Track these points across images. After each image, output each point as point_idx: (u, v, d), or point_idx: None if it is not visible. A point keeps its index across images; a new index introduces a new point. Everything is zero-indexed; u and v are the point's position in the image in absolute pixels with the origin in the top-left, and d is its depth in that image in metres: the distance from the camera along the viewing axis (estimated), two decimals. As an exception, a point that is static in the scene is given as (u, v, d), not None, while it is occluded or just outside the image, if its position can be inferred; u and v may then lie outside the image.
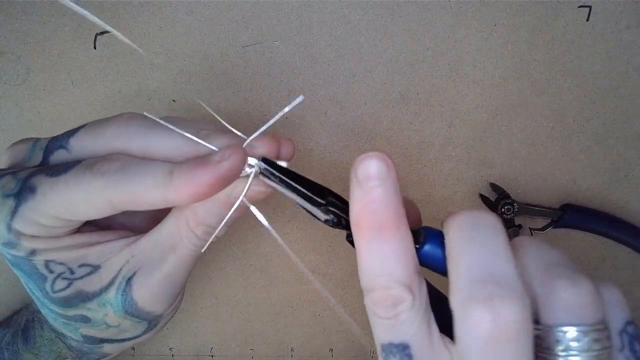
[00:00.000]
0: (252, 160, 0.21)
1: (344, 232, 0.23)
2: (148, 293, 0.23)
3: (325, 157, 0.34)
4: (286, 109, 0.21)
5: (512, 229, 0.35)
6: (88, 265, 0.22)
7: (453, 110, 0.33)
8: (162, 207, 0.21)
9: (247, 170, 0.21)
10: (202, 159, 0.20)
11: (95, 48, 0.31)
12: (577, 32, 0.31)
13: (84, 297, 0.23)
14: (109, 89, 0.32)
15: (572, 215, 0.34)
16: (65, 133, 0.23)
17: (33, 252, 0.21)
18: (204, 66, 0.31)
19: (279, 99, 0.32)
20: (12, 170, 0.22)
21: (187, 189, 0.19)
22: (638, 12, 0.30)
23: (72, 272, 0.22)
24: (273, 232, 0.22)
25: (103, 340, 0.25)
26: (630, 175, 0.34)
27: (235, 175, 0.20)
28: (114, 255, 0.23)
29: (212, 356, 0.39)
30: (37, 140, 0.23)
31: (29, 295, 0.25)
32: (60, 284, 0.22)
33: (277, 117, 0.21)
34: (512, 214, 0.34)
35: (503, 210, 0.34)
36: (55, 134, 0.32)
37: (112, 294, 0.23)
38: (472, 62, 0.31)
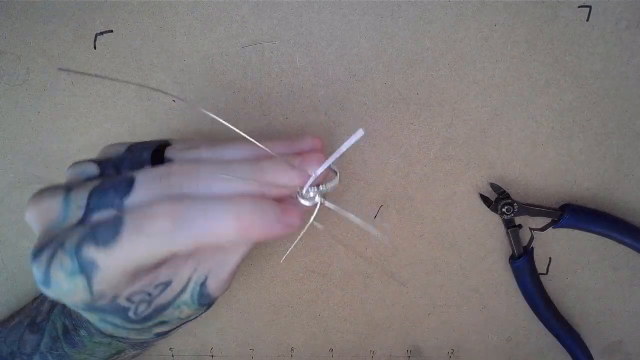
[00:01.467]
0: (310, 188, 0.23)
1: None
2: (219, 286, 0.25)
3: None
4: (347, 143, 0.22)
5: (512, 229, 0.35)
6: (161, 284, 0.24)
7: (453, 110, 0.33)
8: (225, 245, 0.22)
9: (316, 198, 0.23)
10: (273, 213, 0.21)
11: (95, 48, 0.31)
12: (577, 32, 0.31)
13: (162, 309, 0.24)
14: (109, 89, 0.32)
15: (572, 215, 0.34)
16: (112, 189, 0.21)
17: (116, 296, 0.22)
18: (204, 66, 0.31)
19: (279, 98, 0.32)
20: (53, 242, 0.21)
21: (257, 234, 0.21)
22: (638, 12, 0.30)
23: (149, 295, 0.23)
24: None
25: (171, 330, 0.27)
26: (630, 175, 0.34)
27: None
28: (181, 267, 0.24)
29: (212, 356, 0.39)
30: (68, 193, 0.22)
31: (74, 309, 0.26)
32: (142, 307, 0.24)
33: (338, 153, 0.22)
34: (512, 214, 0.34)
35: (503, 210, 0.34)
36: (55, 134, 0.33)
37: (186, 297, 0.25)
38: (472, 62, 0.31)
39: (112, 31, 0.31)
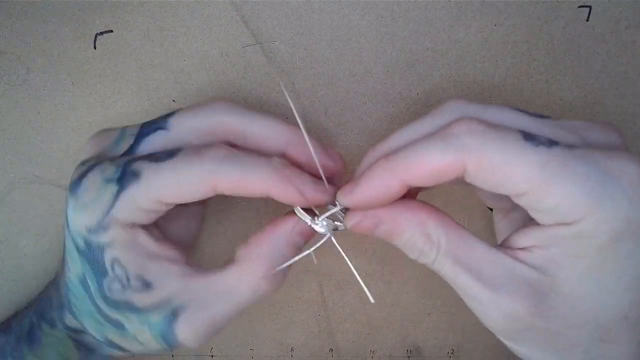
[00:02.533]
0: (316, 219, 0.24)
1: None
2: (191, 331, 0.23)
3: (325, 157, 0.34)
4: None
5: (512, 229, 0.35)
6: (143, 280, 0.23)
7: (453, 110, 0.33)
8: (259, 197, 0.23)
9: (326, 230, 0.24)
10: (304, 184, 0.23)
11: (95, 48, 0.31)
12: (577, 32, 0.31)
13: (131, 309, 0.23)
14: (109, 89, 0.32)
15: (572, 215, 0.34)
16: (158, 117, 0.24)
17: (110, 244, 0.23)
18: (204, 66, 0.31)
19: (279, 98, 0.32)
20: (105, 158, 0.23)
21: (287, 198, 0.22)
22: (638, 12, 0.30)
23: (127, 280, 0.23)
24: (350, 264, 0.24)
25: (120, 349, 0.26)
26: (630, 175, 0.34)
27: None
28: (169, 279, 0.23)
29: (212, 356, 0.39)
30: (124, 128, 0.25)
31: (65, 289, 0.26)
32: (116, 285, 0.23)
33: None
34: (512, 214, 0.34)
35: (503, 210, 0.34)
36: (55, 134, 0.33)
37: (155, 318, 0.23)
38: (472, 62, 0.31)
39: (112, 31, 0.31)
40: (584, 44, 0.31)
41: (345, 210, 0.23)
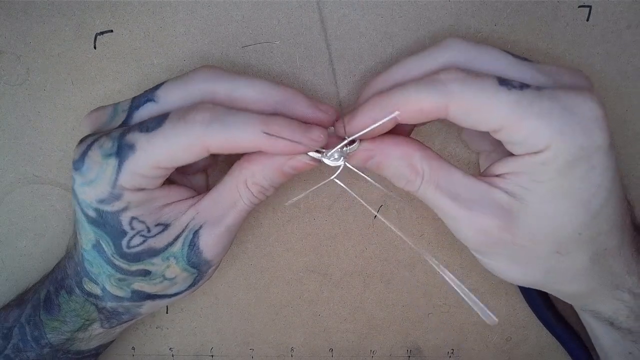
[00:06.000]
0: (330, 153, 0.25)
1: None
2: (212, 242, 0.26)
3: (325, 157, 0.34)
4: (380, 122, 0.24)
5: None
6: (161, 224, 0.26)
7: (453, 110, 0.33)
8: (252, 151, 0.24)
9: (339, 160, 0.25)
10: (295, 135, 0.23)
11: (95, 48, 0.31)
12: (577, 32, 0.31)
13: (152, 253, 0.26)
14: (109, 89, 0.32)
15: (572, 215, 0.34)
16: (147, 90, 0.25)
17: (126, 208, 0.24)
18: (204, 66, 0.31)
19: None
20: (102, 133, 0.24)
21: (278, 150, 0.23)
22: (638, 12, 0.30)
23: (149, 231, 0.25)
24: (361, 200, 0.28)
25: (148, 297, 0.28)
26: (630, 175, 0.34)
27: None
28: (182, 214, 0.26)
29: (212, 356, 0.39)
30: (117, 103, 0.26)
31: (82, 258, 0.27)
32: (136, 240, 0.25)
33: (368, 128, 0.24)
34: (512, 214, 0.34)
35: (503, 210, 0.34)
36: (55, 134, 0.33)
37: (177, 247, 0.26)
38: (472, 62, 0.31)
39: (112, 31, 0.31)
40: (584, 44, 0.31)
41: (348, 146, 0.25)
